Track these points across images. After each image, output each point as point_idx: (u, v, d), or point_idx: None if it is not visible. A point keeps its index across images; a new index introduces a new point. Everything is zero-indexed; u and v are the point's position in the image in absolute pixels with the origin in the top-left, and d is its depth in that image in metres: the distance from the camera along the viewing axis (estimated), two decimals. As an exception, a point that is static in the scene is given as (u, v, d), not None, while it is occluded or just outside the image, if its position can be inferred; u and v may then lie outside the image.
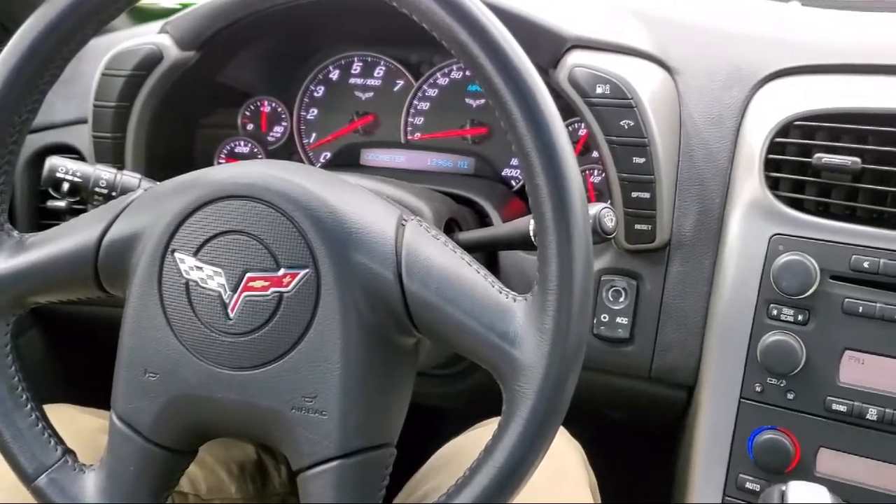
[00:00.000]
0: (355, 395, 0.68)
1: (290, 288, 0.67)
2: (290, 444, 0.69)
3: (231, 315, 0.68)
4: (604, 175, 0.97)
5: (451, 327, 0.67)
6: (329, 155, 1.28)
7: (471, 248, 0.92)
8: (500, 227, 0.90)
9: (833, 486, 0.88)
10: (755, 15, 1.10)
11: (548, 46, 0.96)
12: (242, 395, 0.68)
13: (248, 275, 0.68)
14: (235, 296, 0.68)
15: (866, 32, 1.03)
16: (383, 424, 0.71)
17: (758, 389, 0.92)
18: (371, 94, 1.26)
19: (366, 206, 0.71)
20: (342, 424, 0.67)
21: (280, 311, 0.67)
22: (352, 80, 1.26)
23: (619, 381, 1.04)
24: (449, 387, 1.12)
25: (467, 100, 1.22)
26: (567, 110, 0.97)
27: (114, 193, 0.90)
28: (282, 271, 0.67)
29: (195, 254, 0.68)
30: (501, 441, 0.65)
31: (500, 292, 0.67)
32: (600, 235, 0.80)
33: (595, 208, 0.80)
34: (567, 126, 1.13)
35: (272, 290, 0.68)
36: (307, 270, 0.67)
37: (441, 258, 0.69)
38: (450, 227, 0.97)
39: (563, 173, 0.63)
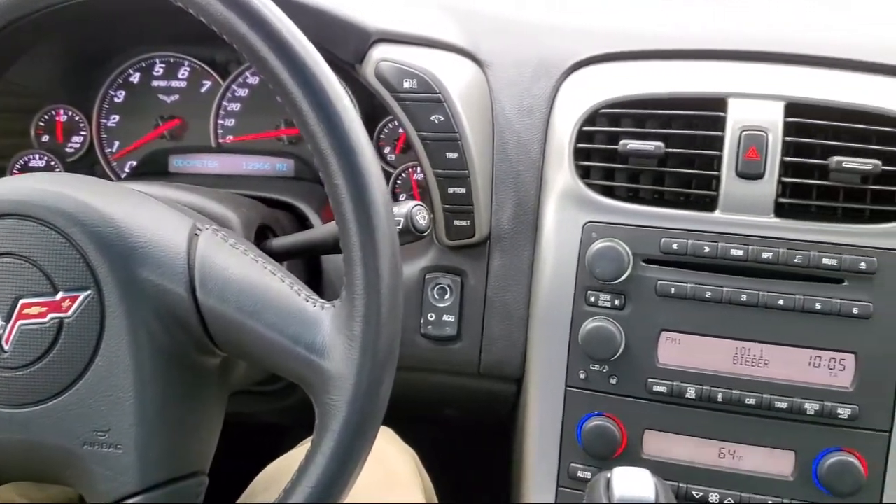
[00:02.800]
0: (153, 424, 0.63)
1: (70, 313, 0.61)
2: (87, 483, 0.63)
3: (5, 347, 0.62)
4: None
5: (255, 342, 0.63)
6: (135, 164, 1.20)
7: (285, 254, 0.88)
8: (313, 232, 0.86)
9: (659, 467, 0.90)
10: (563, 5, 1.11)
11: (352, 41, 0.93)
12: (26, 434, 0.62)
13: (22, 301, 0.62)
14: (9, 326, 0.62)
15: (669, 18, 1.06)
16: (190, 452, 0.67)
17: (582, 377, 0.93)
18: (176, 96, 1.18)
19: (153, 217, 0.65)
20: (141, 457, 0.62)
21: (61, 339, 0.61)
22: (155, 83, 1.18)
23: (451, 379, 1.02)
24: (277, 403, 1.06)
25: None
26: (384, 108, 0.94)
27: None
28: (60, 295, 0.62)
29: None
30: (314, 460, 0.62)
31: (307, 301, 0.64)
32: (414, 234, 0.78)
33: (406, 206, 0.78)
34: (387, 123, 1.11)
35: (50, 316, 0.62)
36: (89, 292, 0.61)
37: (240, 269, 0.65)
38: (264, 234, 0.92)
39: (361, 171, 0.60)
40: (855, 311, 0.86)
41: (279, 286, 0.64)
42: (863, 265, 0.86)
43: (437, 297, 0.98)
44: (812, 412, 0.87)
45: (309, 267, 1.01)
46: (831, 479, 0.87)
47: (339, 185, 0.60)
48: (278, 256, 0.87)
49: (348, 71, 0.97)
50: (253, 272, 0.64)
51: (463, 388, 1.04)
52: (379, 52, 0.93)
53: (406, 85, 0.91)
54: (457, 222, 0.95)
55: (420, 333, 0.99)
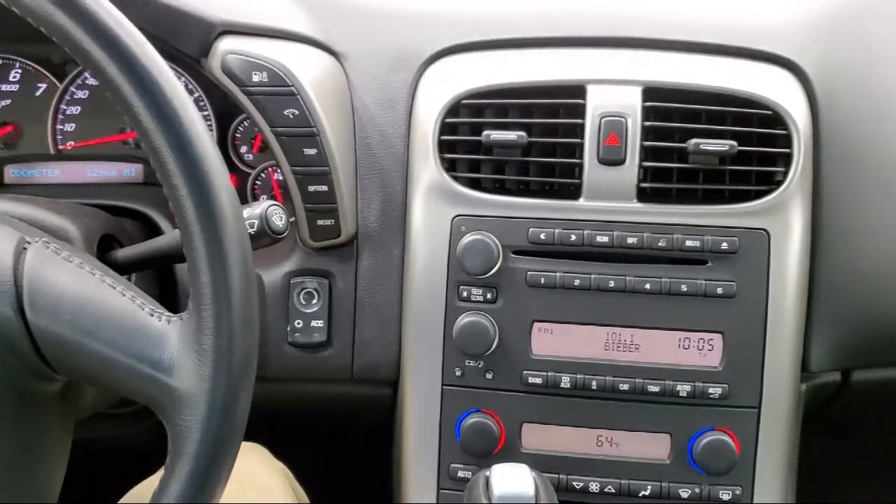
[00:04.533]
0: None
1: None
2: None
3: None
4: None
5: (95, 364, 0.58)
6: (-36, 177, 1.09)
7: (131, 266, 0.82)
8: (158, 240, 0.80)
9: (538, 460, 0.89)
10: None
11: (195, 34, 0.87)
12: None
13: None
14: None
15: (528, 5, 1.04)
16: (32, 485, 0.62)
17: (458, 374, 0.90)
18: (8, 101, 1.08)
19: None
20: None
21: None
22: (-18, 87, 1.08)
23: (324, 387, 0.98)
24: (136, 425, 0.99)
25: (124, 100, 1.09)
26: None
27: None
28: None
29: None
30: (169, 487, 0.57)
31: (152, 315, 0.58)
32: (270, 236, 0.74)
33: (260, 207, 0.73)
34: (243, 121, 1.06)
35: None
36: None
37: (75, 284, 0.59)
38: (108, 245, 0.85)
39: (202, 170, 0.56)
40: (719, 290, 0.87)
41: (120, 301, 0.59)
42: (725, 245, 0.87)
43: (303, 302, 0.94)
44: (684, 394, 0.88)
45: (162, 278, 0.94)
46: (706, 458, 0.88)
47: (177, 185, 0.55)
48: (124, 268, 0.80)
49: (195, 66, 0.91)
50: (90, 287, 0.59)
51: (337, 396, 1.00)
52: (225, 45, 0.88)
53: (255, 78, 0.86)
54: (320, 222, 0.90)
55: (287, 342, 0.94)
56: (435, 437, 0.92)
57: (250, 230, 0.73)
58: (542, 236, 0.89)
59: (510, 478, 0.73)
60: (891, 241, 0.92)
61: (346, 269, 0.94)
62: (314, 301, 0.94)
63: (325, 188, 0.89)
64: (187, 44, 0.87)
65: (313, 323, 0.94)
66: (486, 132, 0.88)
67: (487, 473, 0.74)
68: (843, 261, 0.91)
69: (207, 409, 0.56)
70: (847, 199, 0.91)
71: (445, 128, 0.90)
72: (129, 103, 0.55)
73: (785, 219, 0.87)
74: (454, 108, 0.90)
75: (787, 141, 0.87)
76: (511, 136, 0.88)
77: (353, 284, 0.94)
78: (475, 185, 0.91)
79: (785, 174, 0.87)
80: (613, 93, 0.89)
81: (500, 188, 0.91)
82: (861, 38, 0.98)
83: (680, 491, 0.90)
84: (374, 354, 0.95)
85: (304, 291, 0.94)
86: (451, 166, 0.91)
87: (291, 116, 0.87)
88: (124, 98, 0.55)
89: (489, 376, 0.90)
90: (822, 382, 0.97)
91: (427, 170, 0.91)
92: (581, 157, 0.88)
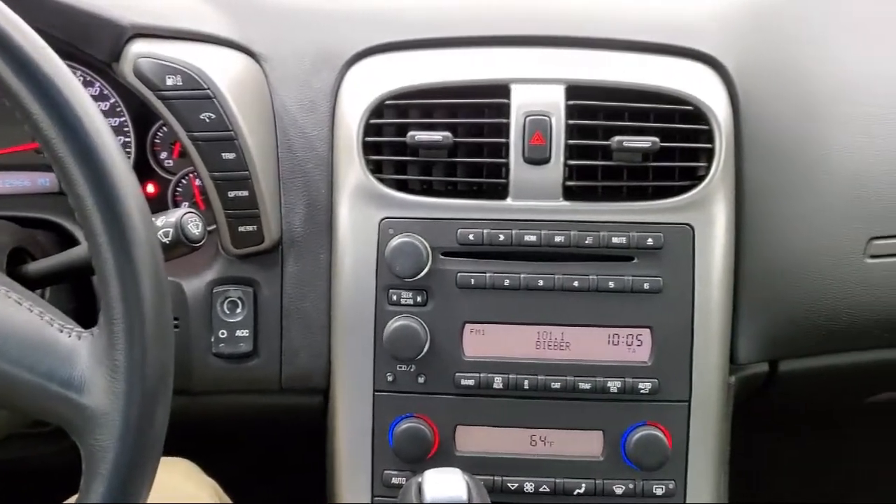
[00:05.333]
0: None
1: None
2: None
3: None
4: None
5: (1, 384, 0.54)
6: None
7: (43, 279, 0.78)
8: (71, 252, 0.77)
9: (472, 463, 0.88)
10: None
11: (105, 37, 0.84)
12: None
13: None
14: None
15: (452, 4, 1.03)
16: None
17: (390, 379, 0.89)
18: None
19: None
20: None
21: None
22: None
23: (252, 398, 0.96)
24: (55, 445, 0.95)
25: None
26: None
27: None
28: None
29: None
30: (83, 512, 0.54)
31: (62, 331, 0.56)
32: (187, 245, 0.71)
33: (175, 215, 0.71)
34: (161, 126, 1.02)
35: None
36: None
37: None
38: (20, 258, 0.82)
39: (108, 179, 0.53)
40: (646, 286, 0.88)
41: (26, 316, 0.56)
42: (650, 241, 0.88)
43: (227, 311, 0.91)
44: (615, 390, 0.89)
45: (79, 291, 0.90)
46: (638, 454, 0.88)
47: (82, 196, 0.53)
48: (35, 282, 0.77)
49: (107, 71, 0.88)
50: None
51: (266, 406, 0.98)
52: (137, 48, 0.84)
53: (169, 82, 0.83)
54: (242, 228, 0.88)
55: (212, 353, 0.91)
56: (368, 444, 0.90)
57: (165, 239, 0.70)
58: (471, 237, 0.88)
59: (442, 482, 0.72)
60: (810, 235, 0.94)
61: (271, 277, 0.92)
62: (239, 310, 0.91)
63: (245, 193, 0.86)
64: (97, 48, 0.84)
65: (238, 332, 0.91)
66: (411, 133, 0.87)
67: (420, 479, 0.73)
68: (766, 254, 0.93)
69: (121, 428, 0.54)
70: (768, 193, 0.93)
71: (370, 129, 0.89)
72: (28, 111, 0.52)
73: (708, 213, 0.88)
74: (378, 109, 0.89)
75: (708, 136, 0.88)
76: (436, 136, 0.87)
77: (278, 292, 0.92)
78: (402, 186, 0.89)
79: (707, 169, 0.88)
80: (537, 92, 0.88)
81: (428, 189, 0.90)
82: (782, 35, 0.99)
83: (614, 487, 0.90)
84: (302, 363, 0.93)
85: (227, 300, 0.91)
86: (376, 168, 0.90)
87: (208, 120, 0.84)
88: (23, 106, 0.52)
89: (421, 380, 0.89)
90: (751, 374, 0.98)
91: (352, 172, 0.89)
92: (507, 156, 0.88)
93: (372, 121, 0.89)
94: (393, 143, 0.89)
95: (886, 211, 0.94)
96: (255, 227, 0.88)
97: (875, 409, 1.37)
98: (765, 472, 1.47)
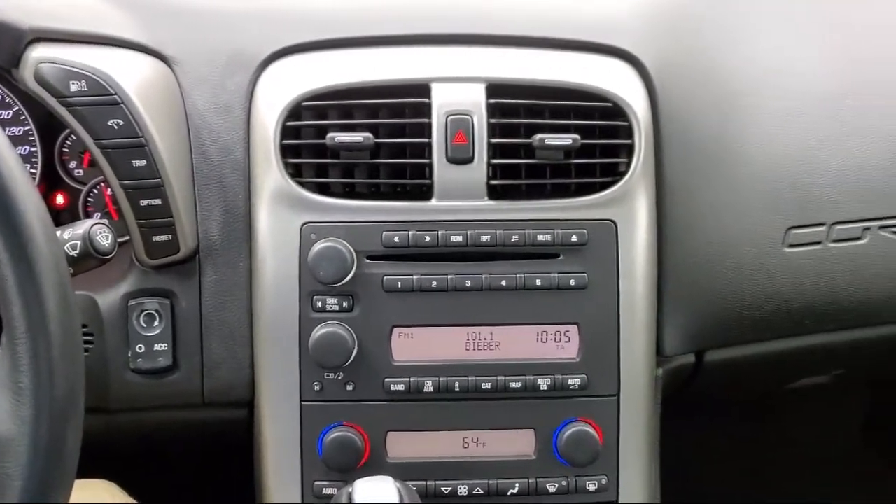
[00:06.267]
0: None
1: None
2: None
3: None
4: None
5: None
6: None
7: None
8: None
9: (405, 469, 0.87)
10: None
11: (2, 42, 0.79)
12: None
13: None
14: None
15: (371, 3, 1.02)
16: None
17: (317, 388, 0.87)
18: None
19: None
20: None
21: None
22: None
23: (173, 414, 0.92)
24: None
25: None
26: None
27: None
28: None
29: None
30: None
31: None
32: (97, 257, 0.68)
33: (82, 227, 0.67)
34: (70, 134, 0.98)
35: None
36: None
37: None
38: None
39: (4, 189, 0.50)
40: (572, 282, 0.88)
41: None
42: (574, 238, 0.88)
43: (144, 325, 0.88)
44: (545, 387, 0.88)
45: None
46: (570, 450, 0.88)
47: None
48: None
49: (8, 78, 0.83)
50: None
51: (189, 422, 0.94)
52: (38, 53, 0.80)
53: (73, 88, 0.79)
54: (156, 238, 0.84)
55: (129, 368, 0.88)
56: (296, 455, 0.88)
57: (73, 252, 0.67)
58: (396, 239, 0.86)
59: (373, 491, 0.70)
60: (729, 226, 0.95)
61: (188, 287, 0.88)
62: (156, 323, 0.88)
63: (158, 202, 0.83)
64: None
65: (156, 346, 0.88)
66: (330, 134, 0.85)
67: (350, 489, 0.71)
68: (688, 247, 0.94)
69: (30, 454, 0.51)
70: (688, 187, 0.94)
71: (287, 132, 0.86)
72: None
73: (630, 208, 0.89)
74: (295, 111, 0.86)
75: (628, 133, 0.89)
76: (357, 137, 0.85)
77: (197, 302, 0.89)
78: (323, 190, 0.87)
79: (628, 165, 0.89)
80: (458, 91, 0.87)
81: (350, 192, 0.88)
82: (699, 32, 1.01)
83: (547, 485, 0.90)
84: (225, 375, 0.90)
85: (144, 313, 0.88)
86: (296, 172, 0.87)
87: (116, 127, 0.80)
88: None
89: (350, 388, 0.87)
90: (678, 365, 1.00)
91: (270, 176, 0.87)
92: (430, 156, 0.87)
93: (289, 123, 0.86)
94: (312, 145, 0.87)
95: (802, 201, 0.97)
96: (169, 236, 0.85)
97: (798, 393, 1.42)
98: (695, 462, 1.49)
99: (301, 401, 0.87)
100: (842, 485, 1.59)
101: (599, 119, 0.89)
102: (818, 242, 0.97)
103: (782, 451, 1.60)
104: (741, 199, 0.95)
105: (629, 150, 0.89)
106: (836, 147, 0.98)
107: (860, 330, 1.04)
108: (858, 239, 0.99)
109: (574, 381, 0.89)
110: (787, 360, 1.09)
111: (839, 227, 0.98)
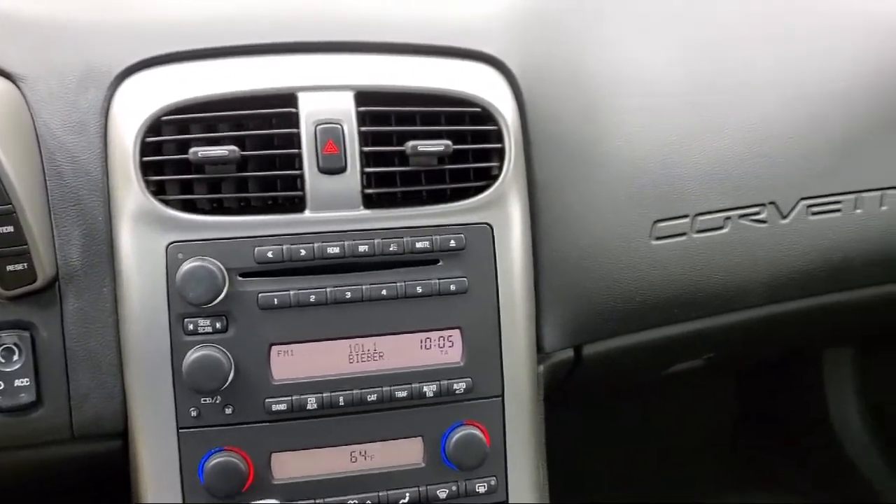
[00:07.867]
0: None
1: None
2: None
3: None
4: None
5: None
6: None
7: None
8: None
9: (292, 489, 0.85)
10: (108, 3, 0.97)
11: None
12: None
13: None
14: None
15: (231, 11, 0.98)
16: None
17: (194, 414, 0.84)
18: None
19: None
20: None
21: None
22: None
23: (40, 452, 0.87)
24: None
25: None
26: None
27: None
28: None
29: None
30: None
31: None
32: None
33: None
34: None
35: None
36: None
37: None
38: None
39: None
40: (453, 287, 0.88)
41: None
42: (453, 243, 0.88)
43: (3, 360, 0.82)
44: (431, 394, 0.88)
45: None
46: (458, 454, 0.89)
47: None
48: None
49: None
50: None
51: (59, 459, 0.89)
52: None
53: None
54: (10, 268, 0.79)
55: None
56: (177, 484, 0.84)
57: None
58: (270, 254, 0.84)
59: (259, 517, 0.68)
60: (599, 223, 0.98)
61: (49, 317, 0.83)
62: (15, 358, 0.82)
63: (10, 229, 0.77)
64: None
65: (17, 382, 0.82)
66: (193, 149, 0.82)
67: (233, 517, 0.69)
68: (561, 244, 0.96)
69: None
70: (558, 186, 0.96)
71: (147, 148, 0.82)
72: None
73: (504, 211, 0.90)
74: (155, 126, 0.83)
75: (498, 136, 0.89)
76: (222, 151, 0.82)
77: (59, 333, 0.83)
78: (189, 207, 0.84)
79: (500, 168, 0.89)
80: (326, 99, 0.86)
81: (218, 208, 0.85)
82: (563, 35, 1.03)
83: (438, 492, 0.89)
84: (94, 407, 0.85)
85: (2, 348, 0.82)
86: (159, 189, 0.84)
87: None
88: None
89: (229, 411, 0.84)
90: (557, 361, 1.02)
91: (131, 196, 0.83)
92: (301, 167, 0.85)
93: (149, 139, 0.82)
94: (174, 161, 0.83)
95: (666, 195, 1.00)
96: (24, 264, 0.79)
97: (678, 383, 1.47)
98: (579, 453, 1.53)
99: (178, 428, 0.84)
100: (719, 467, 1.67)
101: (470, 124, 0.89)
102: (683, 234, 1.01)
103: (662, 438, 1.66)
104: (609, 196, 0.98)
105: (500, 154, 0.90)
106: (696, 141, 1.02)
107: (727, 315, 1.09)
108: (721, 228, 1.03)
109: (459, 385, 0.89)
110: (661, 347, 1.13)
111: (702, 217, 1.02)
